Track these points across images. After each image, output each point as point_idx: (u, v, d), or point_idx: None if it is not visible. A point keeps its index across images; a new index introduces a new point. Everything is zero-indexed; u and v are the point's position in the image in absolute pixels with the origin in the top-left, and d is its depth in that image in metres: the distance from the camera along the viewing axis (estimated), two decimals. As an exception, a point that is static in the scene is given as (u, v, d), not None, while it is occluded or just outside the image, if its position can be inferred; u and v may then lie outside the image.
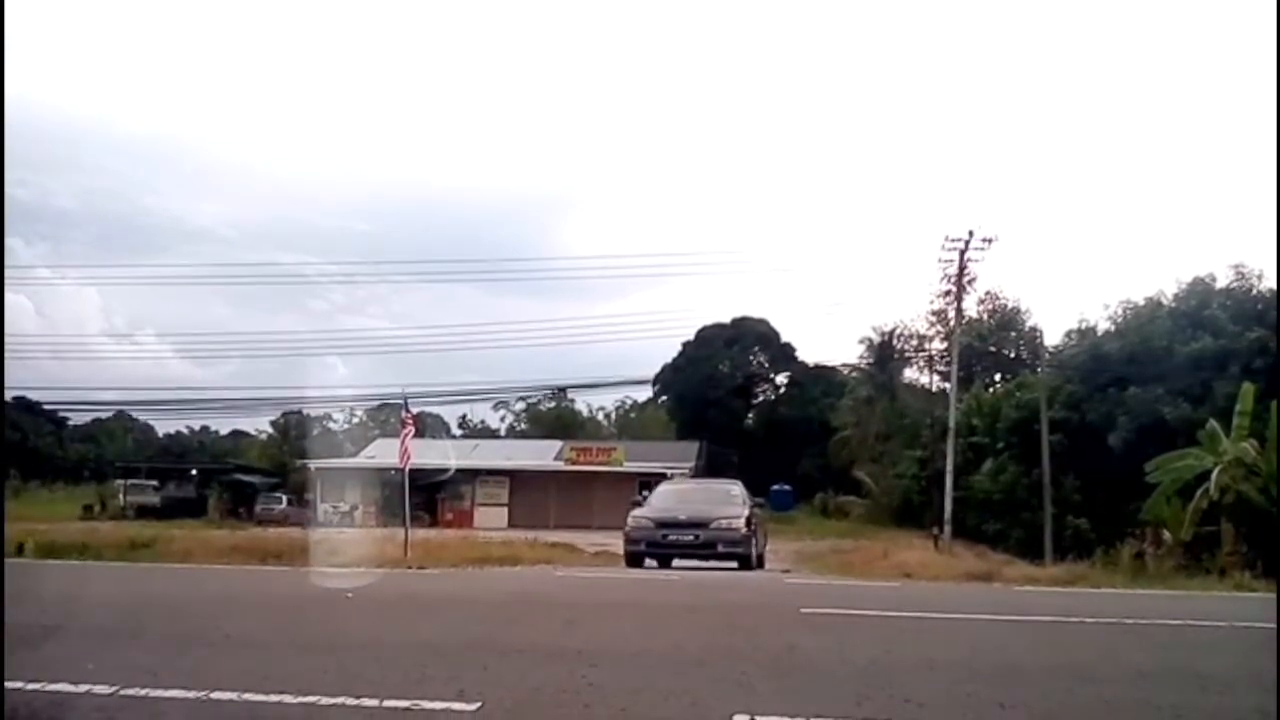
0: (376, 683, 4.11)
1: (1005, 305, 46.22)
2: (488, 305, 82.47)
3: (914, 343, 46.53)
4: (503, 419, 65.03)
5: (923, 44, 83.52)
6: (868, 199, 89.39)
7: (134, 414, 63.82)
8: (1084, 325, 39.72)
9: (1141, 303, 37.01)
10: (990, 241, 29.12)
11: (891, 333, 47.19)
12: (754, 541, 15.07)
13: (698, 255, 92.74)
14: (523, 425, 63.59)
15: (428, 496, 35.97)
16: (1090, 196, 78.06)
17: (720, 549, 14.48)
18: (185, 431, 72.37)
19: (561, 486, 40.03)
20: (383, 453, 38.68)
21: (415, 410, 24.69)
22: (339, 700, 3.78)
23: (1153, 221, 73.97)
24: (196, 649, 5.20)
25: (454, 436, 57.22)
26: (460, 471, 37.60)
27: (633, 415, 65.07)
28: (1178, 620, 7.28)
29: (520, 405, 63.89)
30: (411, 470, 16.54)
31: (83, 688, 3.94)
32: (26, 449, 55.23)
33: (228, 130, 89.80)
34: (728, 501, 15.73)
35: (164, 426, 71.35)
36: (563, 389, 57.99)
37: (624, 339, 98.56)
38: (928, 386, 43.47)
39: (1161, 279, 62.96)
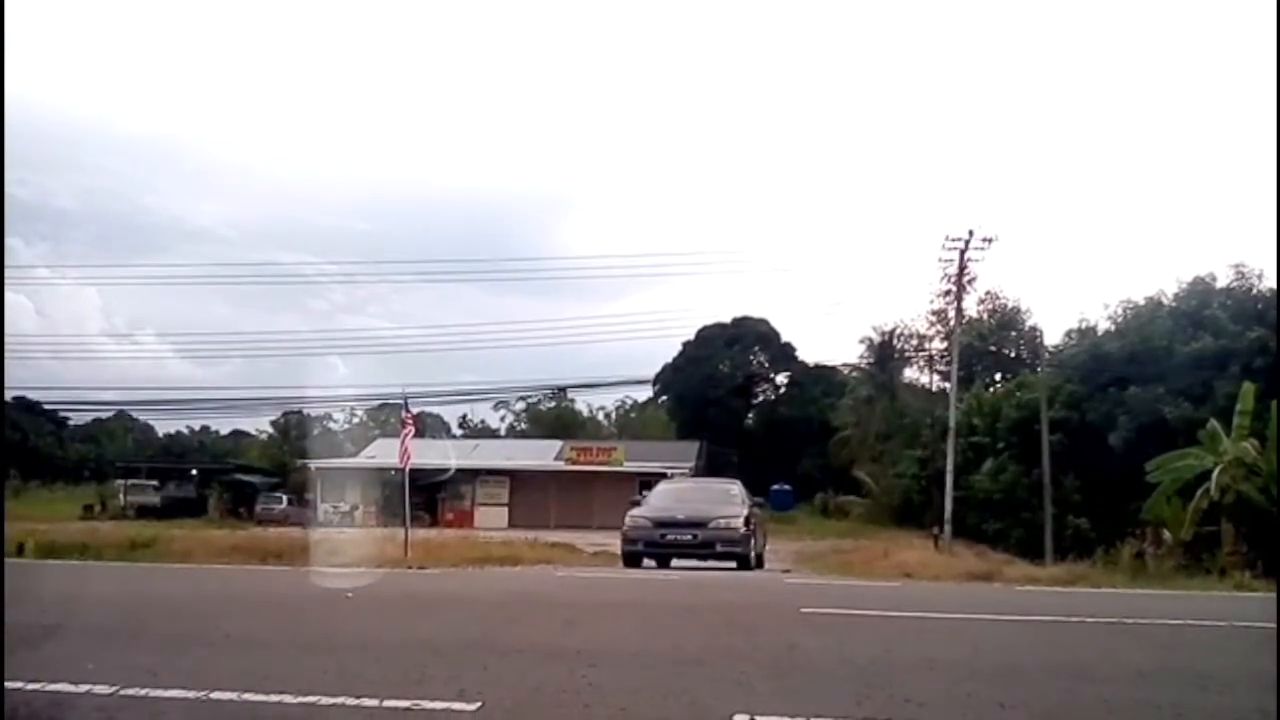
0: (376, 683, 4.11)
1: (1005, 305, 46.27)
2: (488, 305, 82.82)
3: (914, 342, 46.60)
4: (503, 419, 65.14)
5: (923, 44, 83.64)
6: (868, 199, 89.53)
7: (134, 414, 63.96)
8: (1084, 325, 39.80)
9: (1142, 302, 37.08)
10: (990, 241, 29.17)
11: (892, 332, 47.22)
12: (753, 541, 14.97)
13: (698, 255, 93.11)
14: (523, 425, 63.54)
15: (428, 496, 35.97)
16: (1090, 196, 78.17)
17: (719, 549, 14.39)
18: (185, 431, 72.57)
19: (562, 486, 40.01)
20: (383, 453, 38.65)
21: (415, 410, 24.73)
22: (339, 700, 3.78)
23: (1153, 221, 74.09)
24: (196, 649, 5.20)
25: (454, 436, 57.27)
26: (460, 471, 37.60)
27: (633, 415, 65.04)
28: (1178, 620, 7.28)
29: (520, 405, 63.94)
30: (412, 470, 16.54)
31: (83, 688, 3.94)
32: (26, 449, 55.22)
33: (228, 130, 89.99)
34: (726, 501, 15.62)
35: (164, 426, 71.57)
36: (563, 389, 58.02)
37: (624, 339, 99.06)
38: (928, 386, 43.59)
39: (1161, 279, 63.03)
